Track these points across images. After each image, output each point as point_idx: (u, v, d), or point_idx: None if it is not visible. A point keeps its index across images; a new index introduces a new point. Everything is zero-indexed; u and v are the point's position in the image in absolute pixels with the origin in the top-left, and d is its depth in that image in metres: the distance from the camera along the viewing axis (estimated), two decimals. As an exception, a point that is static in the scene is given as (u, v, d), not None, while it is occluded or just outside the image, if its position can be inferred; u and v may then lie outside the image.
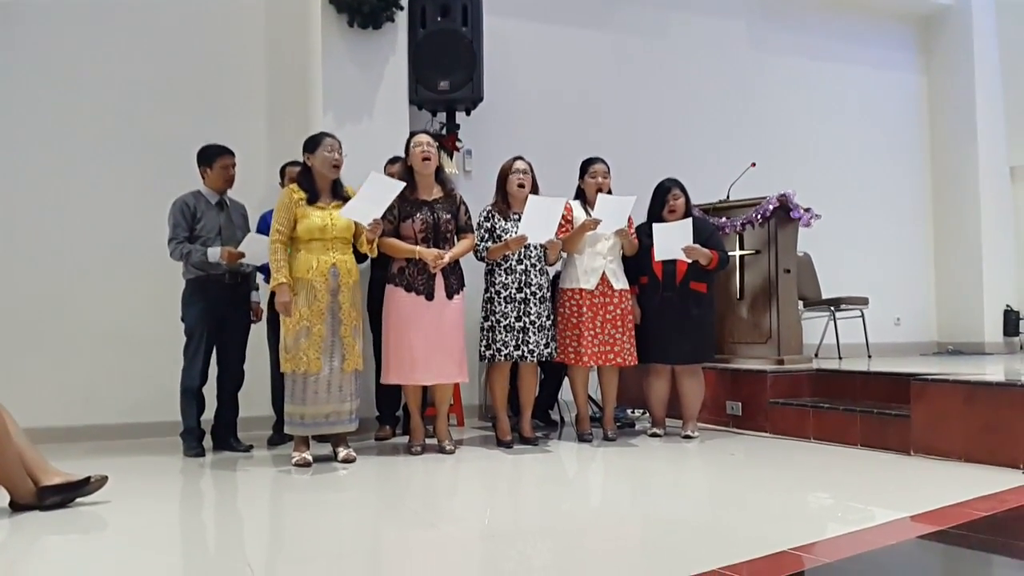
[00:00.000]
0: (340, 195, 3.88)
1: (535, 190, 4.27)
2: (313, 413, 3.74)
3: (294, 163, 4.34)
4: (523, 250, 4.18)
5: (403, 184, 3.89)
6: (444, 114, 5.32)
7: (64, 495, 2.94)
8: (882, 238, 7.40)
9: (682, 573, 2.08)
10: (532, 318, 4.14)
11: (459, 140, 5.36)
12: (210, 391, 4.21)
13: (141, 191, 4.79)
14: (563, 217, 4.35)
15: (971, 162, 7.56)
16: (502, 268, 4.19)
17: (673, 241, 4.28)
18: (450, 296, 4.03)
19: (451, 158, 5.31)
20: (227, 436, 4.25)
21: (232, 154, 4.25)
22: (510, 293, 4.15)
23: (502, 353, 4.11)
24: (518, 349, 4.11)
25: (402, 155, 4.25)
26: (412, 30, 5.05)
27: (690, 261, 4.34)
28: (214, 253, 4.04)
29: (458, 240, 4.14)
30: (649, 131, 6.26)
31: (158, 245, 4.15)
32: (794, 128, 7.00)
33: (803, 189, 5.10)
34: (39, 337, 4.68)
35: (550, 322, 4.23)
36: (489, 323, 4.18)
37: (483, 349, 4.20)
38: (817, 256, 6.27)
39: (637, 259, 4.42)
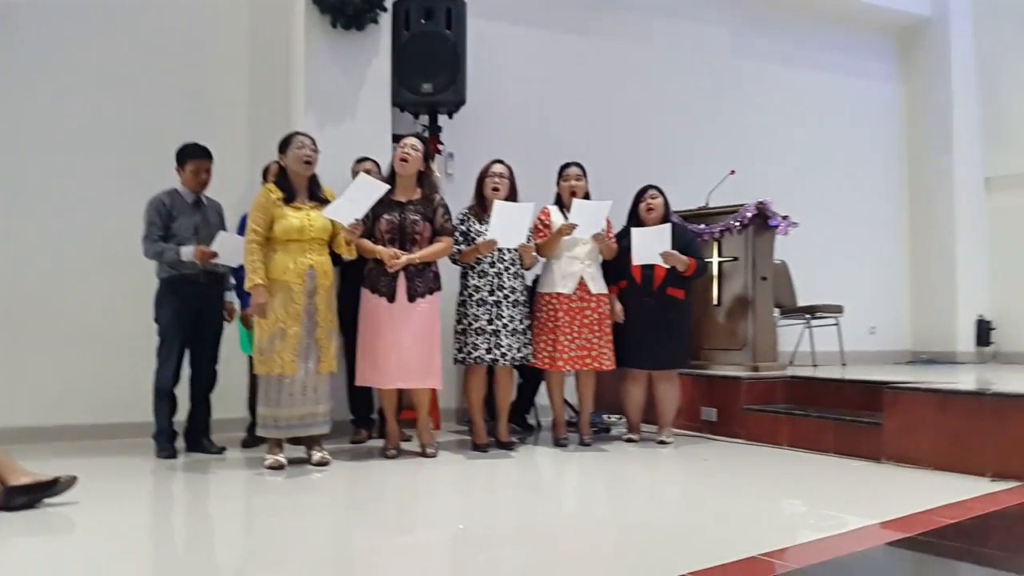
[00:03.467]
0: (317, 196, 3.84)
1: (514, 194, 4.27)
2: (287, 415, 3.71)
3: (278, 162, 4.31)
4: (496, 253, 4.16)
5: (387, 186, 3.86)
6: (426, 116, 5.30)
7: (32, 496, 2.89)
8: (858, 247, 7.46)
9: (652, 579, 2.09)
10: (505, 321, 4.12)
11: (441, 143, 5.34)
12: (184, 392, 4.17)
13: (118, 189, 4.71)
14: (541, 222, 4.38)
15: (947, 172, 7.64)
16: (475, 271, 4.18)
17: (651, 246, 4.29)
18: (412, 299, 3.95)
19: (432, 161, 5.28)
20: (200, 438, 4.20)
21: (207, 158, 4.17)
22: (482, 296, 4.14)
23: (472, 356, 4.11)
24: (490, 353, 4.09)
25: (372, 156, 4.23)
26: (396, 32, 5.03)
27: (668, 267, 4.36)
28: (187, 252, 4.00)
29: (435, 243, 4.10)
30: (631, 137, 6.28)
31: (134, 243, 4.10)
32: (773, 136, 7.05)
33: (780, 197, 5.15)
34: (8, 335, 4.60)
35: (524, 326, 4.22)
36: (462, 326, 4.17)
37: (456, 352, 4.20)
38: (793, 264, 6.32)
39: (617, 263, 4.44)
